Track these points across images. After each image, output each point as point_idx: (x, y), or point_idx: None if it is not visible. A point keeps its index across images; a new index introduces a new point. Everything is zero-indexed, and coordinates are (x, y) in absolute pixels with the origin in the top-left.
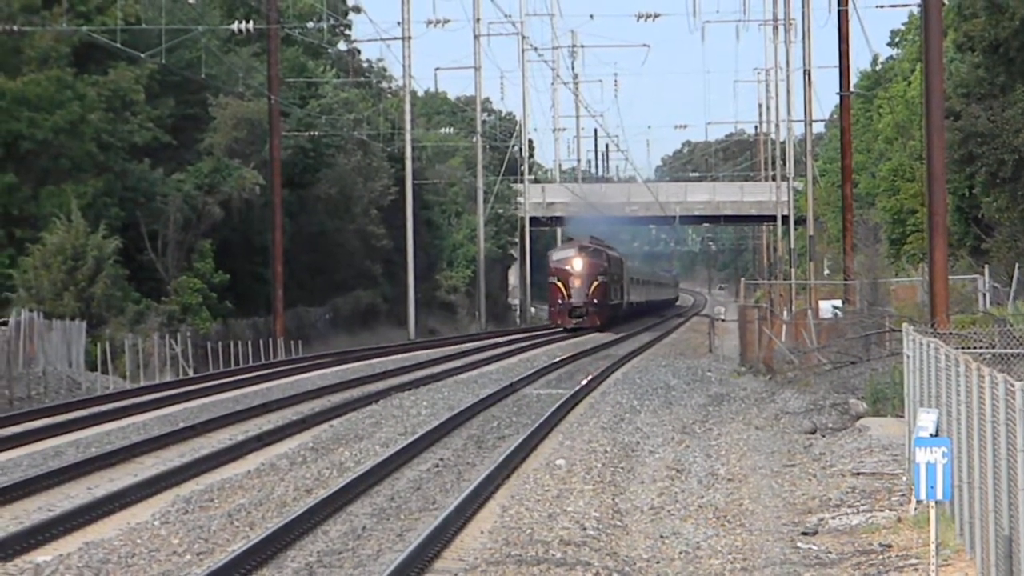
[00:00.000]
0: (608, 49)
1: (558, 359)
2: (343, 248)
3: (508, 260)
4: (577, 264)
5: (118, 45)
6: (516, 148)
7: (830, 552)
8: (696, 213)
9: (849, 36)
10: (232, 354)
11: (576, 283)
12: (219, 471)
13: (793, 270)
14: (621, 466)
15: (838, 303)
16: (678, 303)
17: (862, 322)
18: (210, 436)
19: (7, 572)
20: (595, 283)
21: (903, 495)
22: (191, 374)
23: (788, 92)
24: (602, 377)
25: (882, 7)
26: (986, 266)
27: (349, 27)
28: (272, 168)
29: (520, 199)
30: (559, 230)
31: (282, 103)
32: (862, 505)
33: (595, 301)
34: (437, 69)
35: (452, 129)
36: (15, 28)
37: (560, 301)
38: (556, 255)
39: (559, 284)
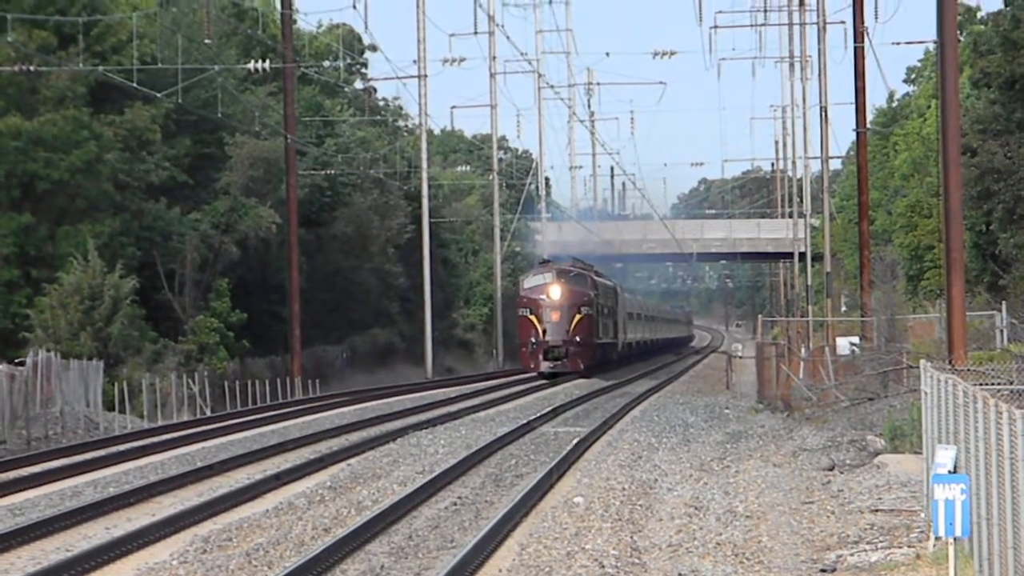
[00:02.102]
0: (624, 87)
1: (576, 397)
2: (360, 286)
3: None
4: (554, 292)
5: (134, 85)
6: (533, 186)
7: None
8: (713, 250)
9: (865, 73)
10: (249, 393)
11: (553, 316)
12: (237, 510)
13: (810, 307)
14: (639, 503)
15: (855, 340)
16: (692, 342)
17: (879, 359)
18: (228, 475)
19: None
20: (577, 316)
21: (922, 532)
22: (208, 413)
23: (804, 129)
24: (620, 415)
25: (898, 44)
26: (1004, 302)
27: (365, 66)
28: (289, 207)
29: (538, 237)
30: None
31: (299, 142)
32: (881, 542)
33: (577, 339)
34: (453, 107)
35: (468, 167)
36: (31, 68)
37: (533, 340)
38: (528, 281)
39: (531, 318)
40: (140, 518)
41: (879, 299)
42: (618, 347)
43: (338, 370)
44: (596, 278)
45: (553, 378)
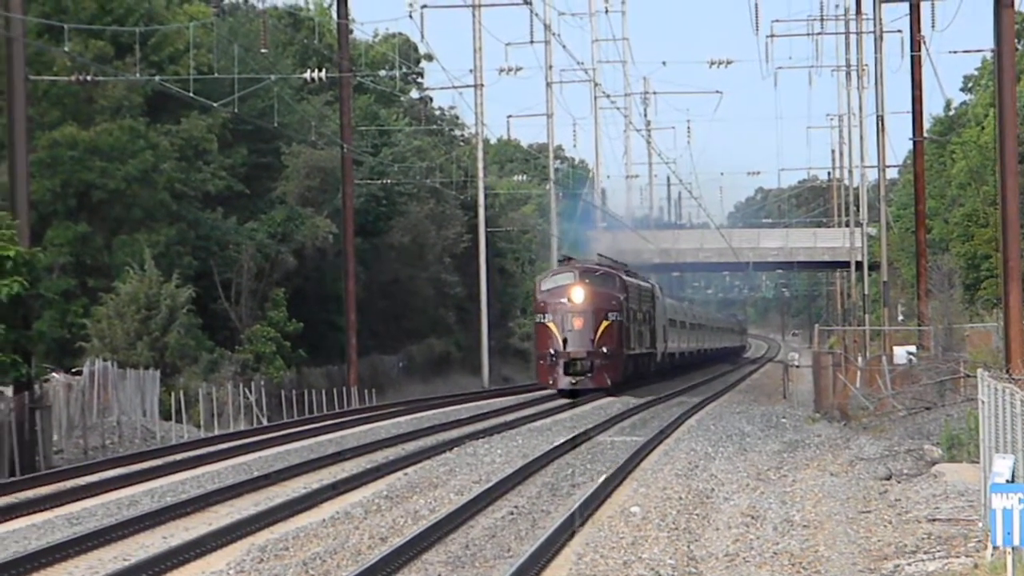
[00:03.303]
0: (681, 96)
1: (632, 407)
2: (416, 296)
3: None
4: (576, 296)
5: (190, 94)
6: (589, 196)
7: None
8: (769, 259)
9: (922, 81)
10: (306, 402)
11: (575, 324)
12: (294, 520)
13: (867, 316)
14: (696, 513)
15: (912, 349)
16: (747, 353)
17: (937, 368)
18: (285, 485)
19: None
20: (604, 324)
21: (979, 541)
22: (265, 423)
23: (861, 138)
24: (676, 424)
25: (955, 52)
26: None
27: (421, 75)
28: (345, 216)
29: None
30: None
31: (355, 151)
32: (938, 551)
33: (603, 350)
34: (509, 116)
35: (525, 176)
36: (88, 78)
37: (551, 351)
38: (546, 282)
39: (549, 325)
40: (197, 527)
41: (936, 308)
42: (656, 358)
43: (394, 379)
44: (627, 278)
45: (574, 396)
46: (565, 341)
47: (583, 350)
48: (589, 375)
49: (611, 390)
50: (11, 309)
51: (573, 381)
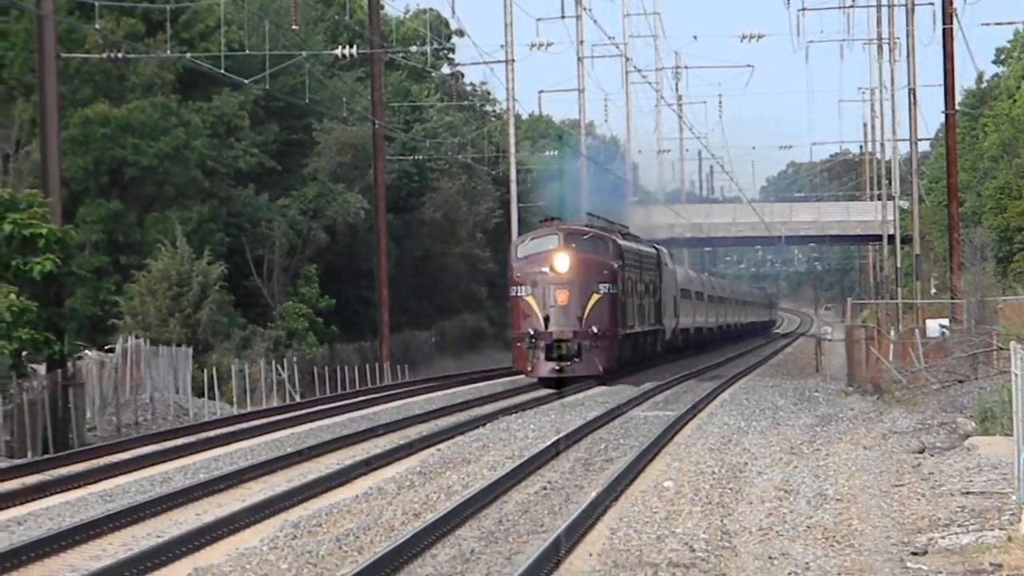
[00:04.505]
0: (712, 70)
1: (666, 380)
2: (448, 272)
3: None
4: (560, 263)
5: (222, 71)
6: (620, 170)
7: (940, 572)
8: (802, 233)
9: (954, 54)
10: (338, 379)
11: (558, 298)
12: (327, 496)
13: (900, 289)
14: (729, 487)
15: (945, 322)
16: (777, 327)
17: (969, 341)
18: (317, 461)
19: None
20: (594, 298)
21: (1013, 514)
22: (298, 399)
23: (893, 111)
24: (709, 398)
25: (987, 25)
26: None
27: (452, 51)
28: (377, 192)
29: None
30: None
31: (386, 127)
32: (972, 524)
33: (594, 330)
34: (541, 92)
35: (556, 152)
36: (120, 55)
37: (530, 331)
38: (524, 247)
39: (527, 300)
40: (230, 504)
41: (969, 281)
42: (664, 335)
43: (427, 355)
44: (623, 242)
45: (559, 386)
46: (547, 319)
47: (569, 330)
48: (576, 360)
49: (603, 377)
50: (44, 287)
51: (557, 367)
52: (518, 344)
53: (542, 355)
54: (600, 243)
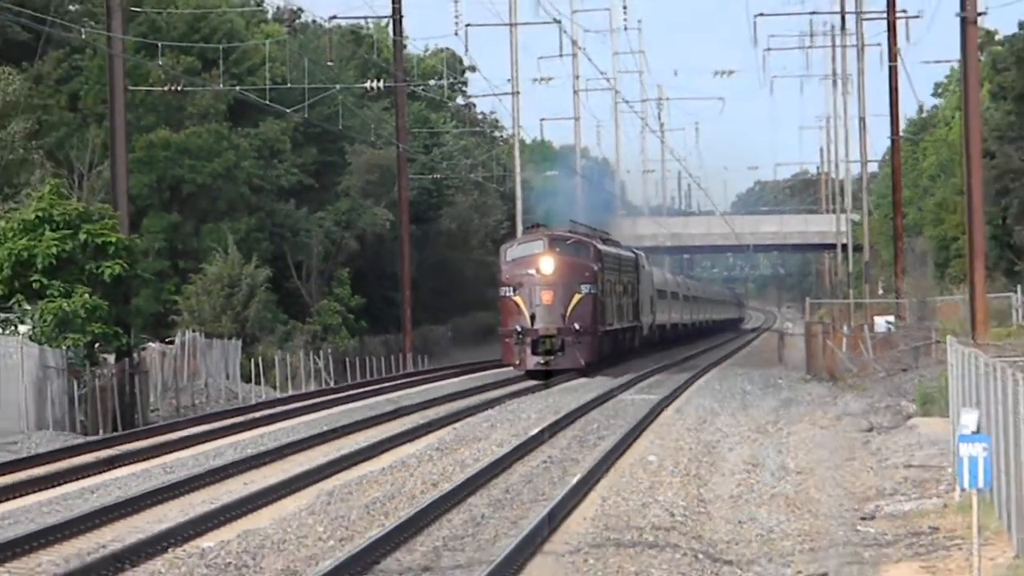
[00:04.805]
0: (690, 101)
1: (644, 371)
2: (462, 275)
3: None
4: (545, 266)
5: (267, 102)
6: (610, 188)
7: (886, 534)
8: (767, 242)
9: (898, 88)
10: (367, 367)
11: (543, 298)
12: (357, 468)
13: (851, 291)
14: (704, 461)
15: (891, 319)
16: (745, 324)
17: (912, 335)
18: (349, 438)
19: (176, 556)
20: (576, 297)
21: (949, 484)
22: (332, 385)
23: (846, 137)
24: (687, 385)
25: (927, 62)
26: (1019, 286)
27: (466, 84)
28: (400, 206)
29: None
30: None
31: (408, 151)
32: (913, 493)
33: (576, 327)
34: (542, 119)
35: (556, 171)
36: (179, 88)
37: (517, 328)
38: (512, 251)
39: (515, 300)
40: (274, 475)
41: (911, 284)
42: (642, 331)
43: (443, 347)
44: (602, 247)
45: (546, 378)
46: (533, 317)
47: (553, 327)
48: (560, 354)
49: (585, 370)
50: (113, 288)
51: (542, 361)
52: (507, 340)
53: (528, 350)
54: (582, 248)
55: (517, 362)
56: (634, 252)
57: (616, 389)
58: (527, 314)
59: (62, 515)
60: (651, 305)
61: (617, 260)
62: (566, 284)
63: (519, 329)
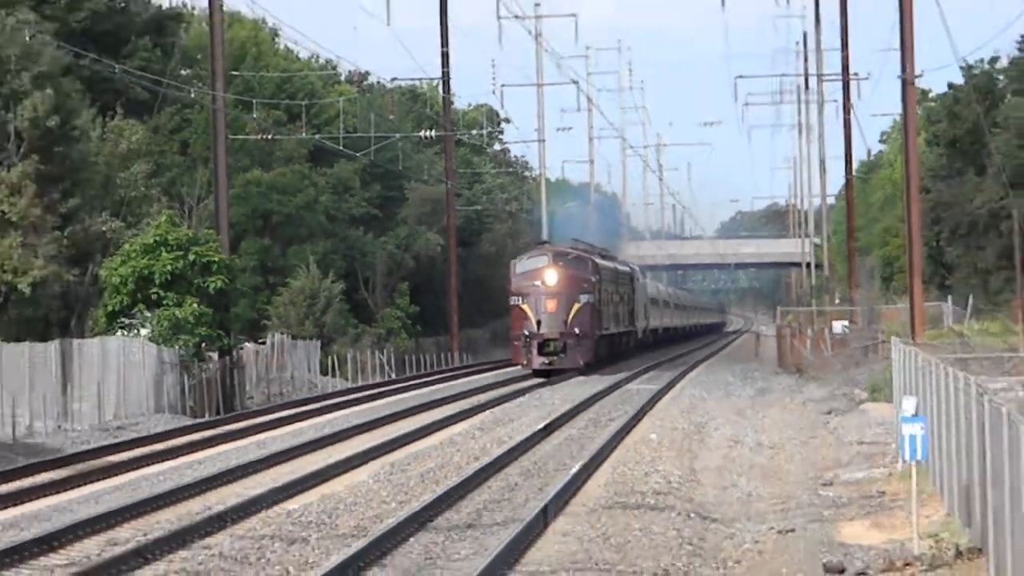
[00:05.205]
0: (683, 146)
1: (649, 364)
2: (498, 288)
3: None
4: (549, 278)
5: (340, 148)
6: (618, 216)
7: (842, 497)
8: (746, 261)
9: (851, 136)
10: (422, 363)
11: (547, 306)
12: (414, 444)
13: (814, 300)
14: (695, 438)
15: (846, 323)
16: (727, 327)
17: (862, 336)
18: (408, 420)
19: (268, 516)
20: (576, 305)
21: (893, 457)
22: (393, 377)
23: (809, 175)
24: (680, 377)
25: (875, 115)
26: (949, 297)
27: (501, 133)
28: (448, 233)
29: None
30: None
31: (455, 187)
32: (864, 464)
33: (576, 331)
34: (564, 162)
35: (574, 204)
36: (270, 136)
37: (525, 332)
38: (521, 265)
39: (523, 307)
40: (347, 450)
41: (862, 295)
42: (637, 334)
43: (483, 346)
44: (600, 261)
45: (548, 376)
46: (539, 323)
47: (556, 331)
48: (562, 355)
49: (584, 370)
50: (217, 298)
51: (547, 361)
52: (516, 343)
53: (535, 351)
54: (581, 262)
55: (525, 362)
56: (630, 266)
57: (622, 381)
58: (534, 320)
59: (175, 482)
60: (645, 312)
61: (614, 273)
62: (567, 294)
63: (527, 333)
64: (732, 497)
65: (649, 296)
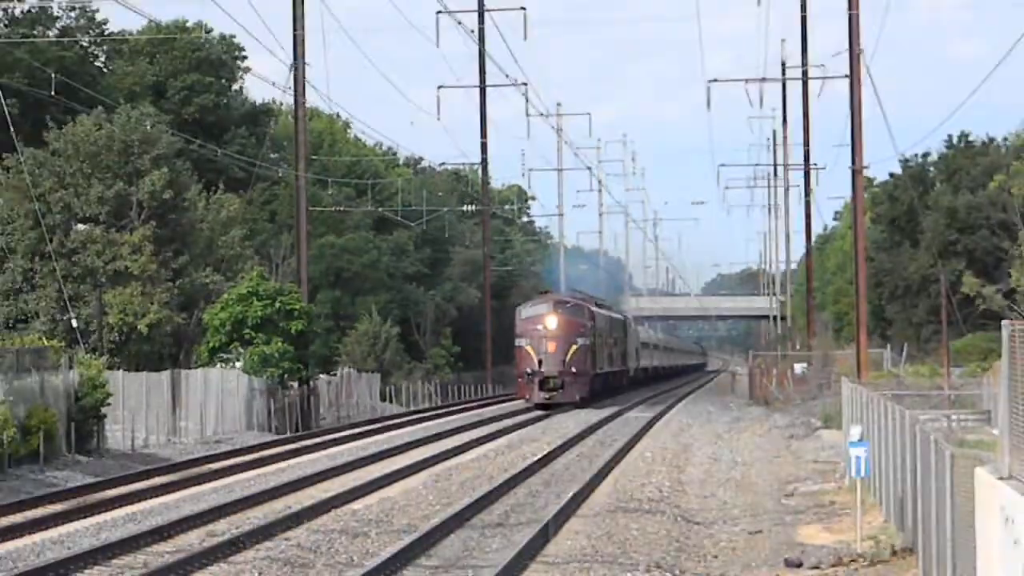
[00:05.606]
0: (675, 221)
1: (646, 397)
2: None
3: None
4: (550, 323)
5: (399, 218)
6: (622, 277)
7: (800, 506)
8: (724, 314)
9: (811, 214)
10: (462, 392)
11: (548, 347)
12: (455, 458)
13: (779, 346)
14: (682, 456)
15: (805, 365)
16: (708, 367)
17: (818, 376)
18: (450, 439)
19: (336, 514)
20: (573, 347)
21: (841, 474)
22: (438, 404)
23: (777, 245)
24: (671, 407)
25: (830, 197)
26: (888, 345)
27: (529, 208)
28: (485, 289)
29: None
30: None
31: (490, 252)
32: (818, 479)
33: (573, 370)
34: (579, 232)
35: (586, 266)
36: (341, 209)
37: (528, 370)
38: (525, 311)
39: (527, 348)
40: (402, 462)
41: (818, 342)
42: (629, 373)
43: (511, 380)
44: (596, 309)
45: (548, 409)
46: (540, 362)
47: (555, 369)
48: (561, 390)
49: (580, 404)
50: (297, 338)
51: (547, 396)
52: (520, 379)
53: (536, 387)
54: (579, 309)
55: (528, 396)
56: (623, 314)
57: (623, 410)
58: (536, 359)
59: (262, 486)
60: (637, 353)
61: (608, 319)
62: (566, 337)
63: (529, 371)
64: (712, 504)
65: (641, 340)
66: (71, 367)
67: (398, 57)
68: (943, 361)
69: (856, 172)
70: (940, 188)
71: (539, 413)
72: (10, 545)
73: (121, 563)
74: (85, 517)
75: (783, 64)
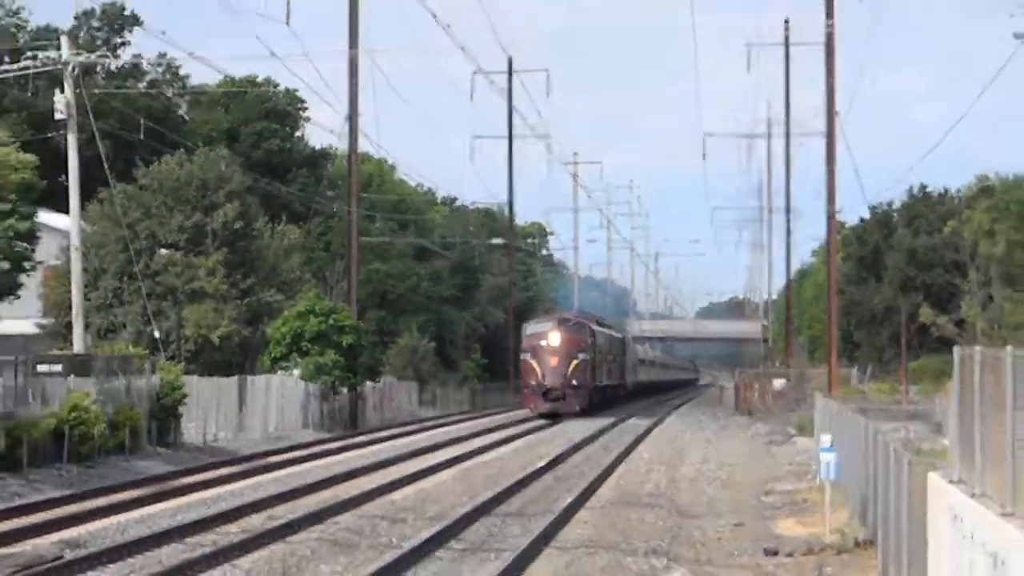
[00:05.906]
0: (675, 256)
1: (643, 407)
2: None
3: None
4: (554, 339)
5: (436, 248)
6: (628, 303)
7: (777, 503)
8: (715, 336)
9: (791, 253)
10: (488, 400)
11: (551, 361)
12: (479, 456)
13: (761, 364)
14: (676, 458)
15: (783, 381)
16: (700, 382)
17: (795, 391)
18: (474, 440)
19: (378, 503)
20: (574, 362)
21: (814, 476)
22: (468, 409)
23: (762, 278)
24: (666, 415)
25: (808, 238)
26: (855, 365)
27: (548, 243)
28: (509, 311)
29: (629, 329)
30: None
31: (515, 280)
32: (793, 480)
33: (574, 383)
34: (591, 264)
35: (596, 294)
36: (387, 240)
37: (533, 383)
38: (531, 328)
39: (532, 362)
40: (435, 459)
41: (796, 362)
42: (627, 387)
43: None
44: (596, 327)
45: (552, 418)
46: (544, 375)
47: (558, 382)
48: (563, 402)
49: (580, 414)
50: (348, 350)
51: (550, 407)
52: (526, 391)
53: (541, 398)
54: (580, 327)
55: (532, 406)
56: (622, 333)
57: (625, 418)
58: (540, 373)
59: (316, 477)
60: (634, 368)
61: (608, 337)
62: (568, 352)
63: (534, 383)
64: (702, 500)
65: (639, 357)
66: (153, 372)
67: (437, 109)
68: (902, 380)
69: (830, 217)
70: (902, 231)
71: (551, 420)
72: (99, 523)
73: (193, 541)
74: (164, 501)
75: (768, 122)
